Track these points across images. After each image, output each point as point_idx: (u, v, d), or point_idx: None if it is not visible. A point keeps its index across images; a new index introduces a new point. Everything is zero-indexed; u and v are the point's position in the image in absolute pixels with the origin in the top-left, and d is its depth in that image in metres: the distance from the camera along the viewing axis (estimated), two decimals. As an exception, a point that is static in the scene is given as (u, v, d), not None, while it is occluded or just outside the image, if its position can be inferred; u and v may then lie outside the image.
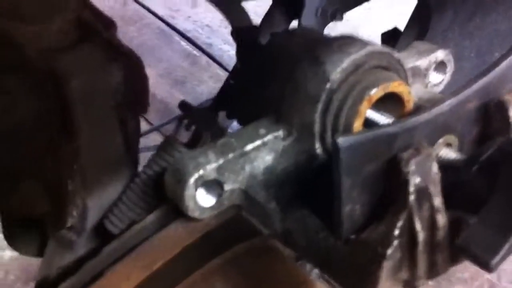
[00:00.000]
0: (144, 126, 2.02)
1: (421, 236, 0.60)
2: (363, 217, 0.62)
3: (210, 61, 2.67)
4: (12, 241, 0.82)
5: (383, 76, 0.70)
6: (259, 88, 0.77)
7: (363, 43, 0.71)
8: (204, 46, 2.77)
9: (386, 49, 0.72)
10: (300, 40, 0.77)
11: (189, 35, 2.85)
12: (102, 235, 0.74)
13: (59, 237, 0.76)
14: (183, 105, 0.83)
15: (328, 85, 0.68)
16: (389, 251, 0.59)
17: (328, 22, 1.42)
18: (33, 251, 0.81)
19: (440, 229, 0.61)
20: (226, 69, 2.61)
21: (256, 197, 0.69)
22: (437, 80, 0.86)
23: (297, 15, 1.35)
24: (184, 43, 2.83)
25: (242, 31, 0.86)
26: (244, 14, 0.88)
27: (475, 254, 0.58)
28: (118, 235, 0.71)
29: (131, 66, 0.73)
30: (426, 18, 1.27)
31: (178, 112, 2.42)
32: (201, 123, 0.82)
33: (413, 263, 0.61)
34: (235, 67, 0.81)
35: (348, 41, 0.71)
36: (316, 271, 0.78)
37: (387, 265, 0.59)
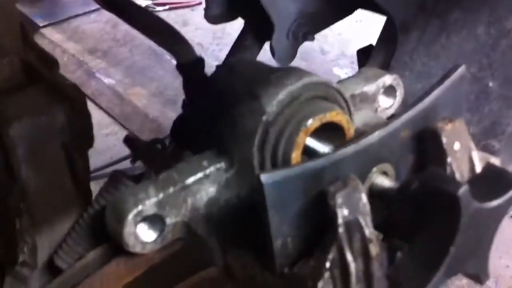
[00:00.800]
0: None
1: (352, 267, 0.60)
2: (297, 250, 0.63)
3: (201, 80, 2.68)
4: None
5: (320, 106, 0.71)
6: (205, 122, 0.78)
7: (300, 75, 0.71)
8: (195, 65, 2.78)
9: (323, 80, 0.72)
10: (241, 73, 0.78)
11: (179, 54, 2.85)
12: (53, 270, 0.75)
13: (14, 272, 0.77)
14: (128, 140, 0.84)
15: (264, 118, 0.69)
16: (320, 284, 0.60)
17: (300, 43, 1.43)
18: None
19: (374, 259, 0.61)
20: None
21: (197, 231, 0.70)
22: (387, 104, 0.86)
23: (268, 37, 1.37)
24: (174, 62, 2.85)
25: (187, 65, 0.87)
26: (188, 47, 0.89)
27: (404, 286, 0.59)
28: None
29: (74, 104, 0.74)
30: (393, 38, 1.27)
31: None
32: (145, 158, 0.83)
33: (349, 294, 0.62)
34: (183, 101, 0.83)
35: (285, 73, 0.72)
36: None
37: (319, 298, 0.60)
